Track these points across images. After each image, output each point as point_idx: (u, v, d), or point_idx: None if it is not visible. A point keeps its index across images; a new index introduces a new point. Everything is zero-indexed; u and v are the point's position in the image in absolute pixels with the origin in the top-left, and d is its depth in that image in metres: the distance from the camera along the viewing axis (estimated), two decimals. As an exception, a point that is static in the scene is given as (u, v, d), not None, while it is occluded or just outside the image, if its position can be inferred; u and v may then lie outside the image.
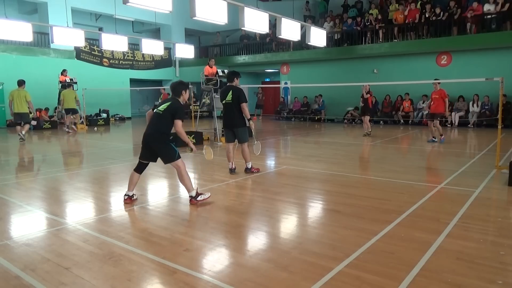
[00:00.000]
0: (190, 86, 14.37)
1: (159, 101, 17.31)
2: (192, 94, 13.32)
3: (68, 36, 12.03)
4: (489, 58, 14.60)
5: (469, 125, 14.50)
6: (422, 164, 7.75)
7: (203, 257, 3.20)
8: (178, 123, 4.48)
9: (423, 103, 15.48)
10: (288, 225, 4.10)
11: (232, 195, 5.28)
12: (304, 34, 12.01)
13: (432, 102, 10.32)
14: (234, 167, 6.48)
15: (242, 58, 20.84)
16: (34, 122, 15.41)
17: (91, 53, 19.29)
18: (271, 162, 7.99)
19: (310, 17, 19.77)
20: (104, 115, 18.56)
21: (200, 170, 7.05)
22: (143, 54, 21.10)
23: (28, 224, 4.05)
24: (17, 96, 11.29)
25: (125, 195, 4.74)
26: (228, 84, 6.45)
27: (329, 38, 16.88)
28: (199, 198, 4.61)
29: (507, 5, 13.63)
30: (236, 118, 6.24)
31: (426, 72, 15.49)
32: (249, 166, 6.51)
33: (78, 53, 18.54)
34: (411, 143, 10.80)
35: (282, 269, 2.92)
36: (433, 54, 15.77)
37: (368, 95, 11.80)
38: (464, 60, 15.21)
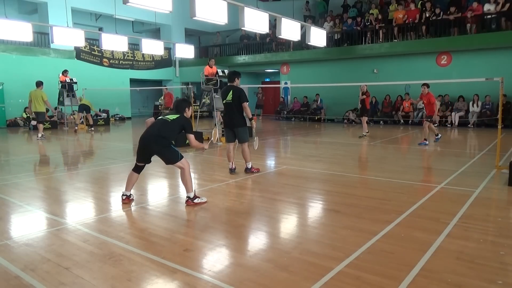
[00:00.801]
0: (189, 86, 14.49)
1: (162, 99, 17.40)
2: (192, 94, 13.31)
3: (68, 36, 12.03)
4: (489, 58, 14.60)
5: (469, 125, 14.50)
6: (422, 164, 7.75)
7: (203, 257, 3.20)
8: (191, 137, 4.58)
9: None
10: (288, 225, 4.10)
11: (232, 195, 5.28)
12: (304, 34, 12.01)
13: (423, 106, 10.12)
14: (234, 167, 6.48)
15: (242, 58, 20.84)
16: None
17: (91, 53, 19.30)
18: (271, 162, 7.99)
19: (310, 17, 19.77)
20: (104, 115, 18.57)
21: (200, 170, 7.05)
22: (143, 54, 21.11)
23: (28, 224, 4.05)
24: (34, 96, 11.87)
25: (123, 195, 4.75)
26: (229, 84, 6.46)
27: (329, 38, 16.89)
28: (196, 201, 4.63)
29: (507, 5, 13.63)
30: (237, 118, 6.25)
31: (426, 72, 15.49)
32: (249, 166, 6.51)
33: (78, 53, 18.55)
34: (411, 143, 10.79)
35: (282, 269, 2.92)
36: (433, 54, 15.77)
37: (364, 96, 11.53)
38: (464, 60, 15.21)
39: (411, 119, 15.94)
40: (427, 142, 9.74)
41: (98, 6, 18.73)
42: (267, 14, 9.27)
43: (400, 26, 15.94)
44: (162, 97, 17.88)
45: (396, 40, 16.09)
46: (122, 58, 20.59)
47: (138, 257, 3.16)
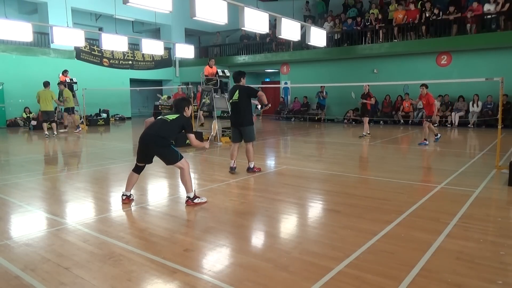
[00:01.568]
0: (190, 86, 14.47)
1: (171, 98, 17.28)
2: (192, 94, 13.30)
3: (68, 36, 12.04)
4: (489, 58, 14.59)
5: (469, 125, 14.50)
6: (422, 164, 7.75)
7: (203, 257, 3.20)
8: (192, 136, 4.56)
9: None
10: (288, 225, 4.10)
11: (232, 195, 5.27)
12: (304, 34, 12.01)
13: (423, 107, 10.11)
14: (235, 166, 6.49)
15: (242, 58, 20.84)
16: (34, 122, 15.45)
17: (91, 53, 19.30)
18: (271, 162, 7.99)
19: (310, 17, 19.77)
20: (104, 115, 18.57)
21: (200, 170, 7.05)
22: (143, 54, 21.10)
23: (28, 224, 4.05)
24: (43, 95, 12.31)
25: (123, 195, 4.74)
26: (235, 84, 6.50)
27: (329, 38, 16.88)
28: (196, 201, 4.62)
29: (507, 5, 13.63)
30: (243, 117, 6.28)
31: (426, 72, 15.49)
32: (252, 165, 6.52)
33: (78, 53, 18.55)
34: (411, 143, 10.79)
35: (282, 269, 2.92)
36: (433, 54, 15.77)
37: (365, 101, 11.43)
38: (464, 60, 15.21)
39: (411, 119, 15.94)
40: (427, 142, 9.74)
41: (98, 6, 18.72)
42: (267, 14, 9.27)
43: (400, 26, 15.94)
44: (167, 96, 17.61)
45: (396, 40, 16.09)
46: (122, 58, 20.58)
47: (138, 257, 3.16)
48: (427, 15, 15.28)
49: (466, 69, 14.81)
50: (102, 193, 5.47)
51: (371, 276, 2.77)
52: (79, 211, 4.54)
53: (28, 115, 16.49)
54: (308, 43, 11.98)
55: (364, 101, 11.50)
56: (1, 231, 3.81)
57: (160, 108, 16.79)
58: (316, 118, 18.50)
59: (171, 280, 2.78)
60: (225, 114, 11.06)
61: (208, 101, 11.20)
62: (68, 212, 4.52)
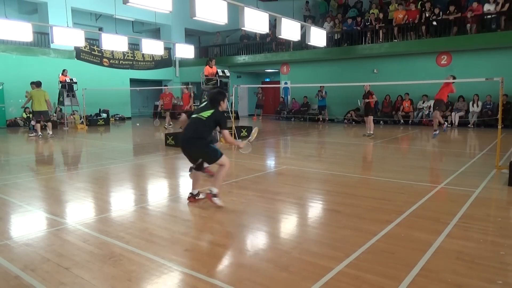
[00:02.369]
0: (189, 86, 14.44)
1: (180, 99, 17.00)
2: (192, 94, 13.30)
3: (68, 36, 12.04)
4: (489, 58, 14.59)
5: (469, 125, 14.50)
6: (422, 164, 7.75)
7: (203, 257, 3.20)
8: (226, 132, 4.45)
9: (423, 103, 15.51)
10: (288, 225, 4.10)
11: (232, 195, 5.27)
12: (304, 34, 12.01)
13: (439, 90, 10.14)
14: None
15: (242, 58, 20.84)
16: (33, 122, 15.43)
17: (91, 53, 19.30)
18: (271, 162, 7.99)
19: (310, 17, 19.78)
20: (104, 115, 18.57)
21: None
22: (143, 54, 21.10)
23: (28, 224, 4.05)
24: (36, 95, 11.97)
25: (190, 193, 4.71)
26: (214, 105, 5.86)
27: (329, 38, 16.87)
28: (215, 199, 4.48)
29: (507, 5, 13.63)
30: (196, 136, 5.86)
31: (426, 72, 15.49)
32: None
33: (78, 53, 18.55)
34: (411, 143, 10.79)
35: (282, 269, 2.92)
36: (433, 54, 15.77)
37: (367, 100, 11.43)
38: (464, 60, 15.21)
39: (411, 119, 15.94)
40: (437, 132, 9.95)
41: (98, 6, 18.72)
42: (267, 14, 9.27)
43: (400, 26, 15.94)
44: (160, 100, 15.51)
45: (396, 40, 16.09)
46: (122, 58, 20.58)
47: (138, 257, 3.16)
48: (427, 15, 15.28)
49: (466, 69, 14.79)
50: (102, 193, 5.47)
51: (371, 276, 2.77)
52: (79, 211, 4.54)
53: (28, 115, 16.48)
54: (308, 43, 11.98)
55: (367, 100, 11.51)
56: (1, 231, 3.81)
57: (160, 108, 16.71)
58: (316, 118, 18.48)
59: (171, 280, 2.79)
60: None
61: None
62: (68, 212, 4.52)
